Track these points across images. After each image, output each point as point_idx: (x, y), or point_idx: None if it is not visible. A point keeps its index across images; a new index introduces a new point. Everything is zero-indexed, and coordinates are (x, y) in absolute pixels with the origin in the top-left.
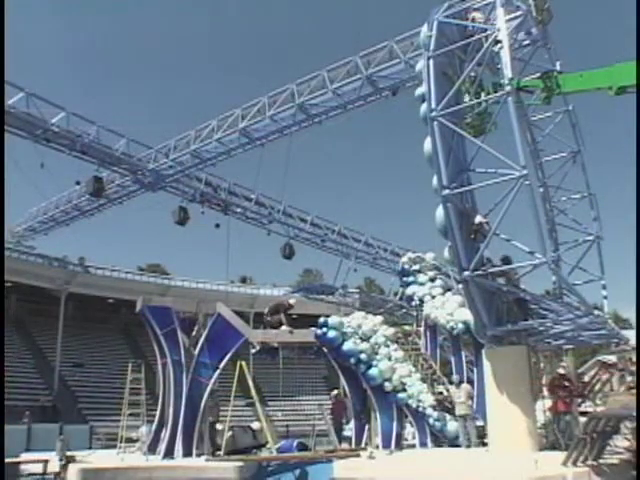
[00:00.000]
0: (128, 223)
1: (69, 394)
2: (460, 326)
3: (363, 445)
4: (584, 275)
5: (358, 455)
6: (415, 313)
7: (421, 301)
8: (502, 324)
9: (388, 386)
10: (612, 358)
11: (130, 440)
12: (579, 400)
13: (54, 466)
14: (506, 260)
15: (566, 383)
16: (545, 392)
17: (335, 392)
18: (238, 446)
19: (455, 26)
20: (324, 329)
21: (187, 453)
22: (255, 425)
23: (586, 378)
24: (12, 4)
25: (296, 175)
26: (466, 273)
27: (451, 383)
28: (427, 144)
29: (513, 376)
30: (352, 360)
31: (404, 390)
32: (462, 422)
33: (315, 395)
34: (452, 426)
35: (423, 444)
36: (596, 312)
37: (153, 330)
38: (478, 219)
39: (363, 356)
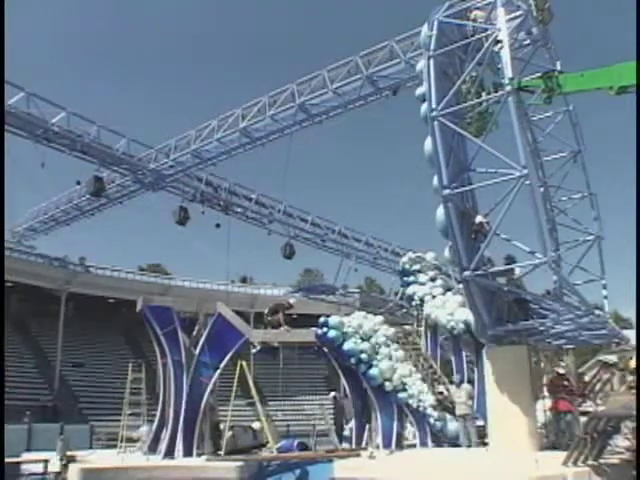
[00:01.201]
0: (128, 223)
1: (69, 394)
2: (461, 326)
3: (363, 445)
4: (585, 275)
5: (358, 455)
6: (416, 313)
7: (422, 301)
8: (503, 324)
9: (388, 386)
10: (613, 358)
11: (131, 440)
12: (579, 400)
13: (55, 466)
14: (510, 259)
15: (565, 382)
16: (545, 392)
17: (333, 394)
18: (239, 446)
19: (455, 26)
20: (324, 329)
21: (187, 453)
22: (256, 425)
23: (586, 378)
24: (12, 4)
25: (296, 175)
26: (467, 273)
27: (451, 383)
28: (427, 144)
29: (514, 376)
30: (352, 360)
31: (404, 390)
32: (462, 422)
33: (315, 395)
34: (452, 426)
35: (423, 444)
36: (597, 312)
37: (154, 330)
38: (478, 219)
39: (363, 356)
